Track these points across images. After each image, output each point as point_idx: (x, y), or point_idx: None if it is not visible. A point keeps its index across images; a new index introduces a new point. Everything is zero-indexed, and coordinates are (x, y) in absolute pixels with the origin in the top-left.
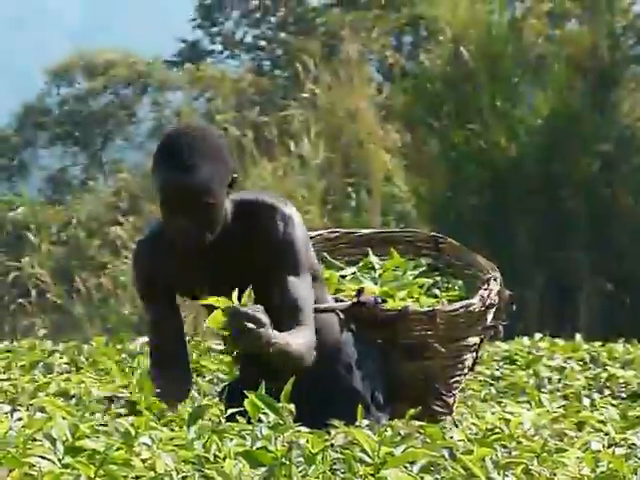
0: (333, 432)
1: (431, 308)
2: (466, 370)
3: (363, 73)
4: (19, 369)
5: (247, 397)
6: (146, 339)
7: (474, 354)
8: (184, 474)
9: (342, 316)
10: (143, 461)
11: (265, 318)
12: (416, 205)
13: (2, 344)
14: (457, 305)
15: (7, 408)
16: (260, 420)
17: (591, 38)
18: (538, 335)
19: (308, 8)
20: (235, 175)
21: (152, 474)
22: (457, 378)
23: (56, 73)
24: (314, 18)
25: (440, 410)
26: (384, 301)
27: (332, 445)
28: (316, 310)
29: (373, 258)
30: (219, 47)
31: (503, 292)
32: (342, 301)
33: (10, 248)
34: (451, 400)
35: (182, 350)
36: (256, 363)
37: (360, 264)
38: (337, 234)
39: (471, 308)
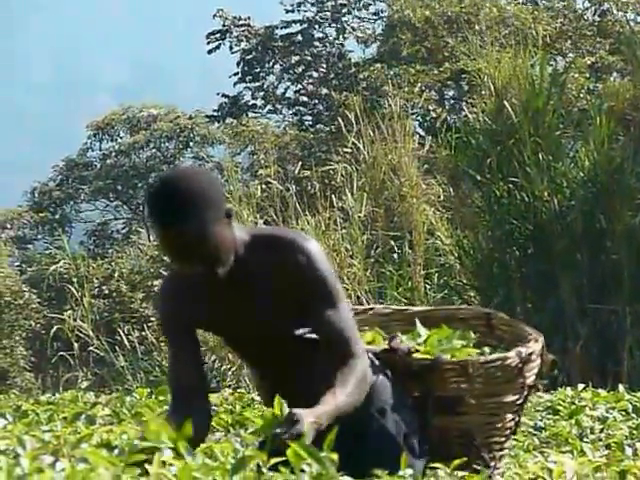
0: None
1: (464, 359)
2: (507, 432)
3: (406, 127)
4: (62, 421)
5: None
6: None
7: (515, 416)
8: None
9: (376, 362)
10: None
11: (302, 423)
12: (459, 258)
13: (45, 396)
14: (493, 357)
15: (50, 459)
16: (303, 470)
17: (633, 91)
18: (581, 386)
19: (350, 63)
20: (229, 207)
21: None
22: (497, 439)
23: (99, 127)
24: (356, 73)
25: (479, 470)
26: (417, 351)
27: None
28: None
29: (420, 327)
30: (261, 102)
31: (546, 355)
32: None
33: (53, 301)
34: (492, 462)
35: (201, 383)
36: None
37: (410, 334)
38: (390, 310)
39: (507, 362)
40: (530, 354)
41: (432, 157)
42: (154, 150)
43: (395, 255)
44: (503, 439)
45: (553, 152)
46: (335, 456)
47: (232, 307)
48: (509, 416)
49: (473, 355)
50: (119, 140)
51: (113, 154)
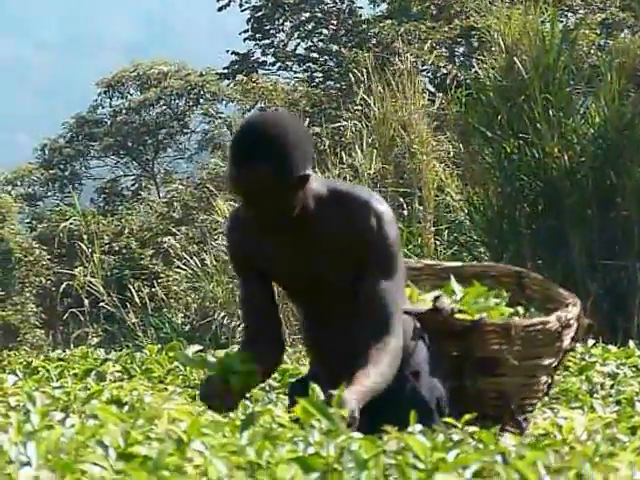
0: (385, 438)
1: (507, 321)
2: (540, 394)
3: (416, 84)
4: (72, 377)
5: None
6: (197, 347)
7: (549, 378)
8: None
9: (417, 324)
10: (196, 467)
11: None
12: (469, 214)
13: (55, 353)
14: (534, 320)
15: (60, 415)
16: (312, 426)
17: None
18: (591, 342)
19: (360, 20)
20: (307, 173)
21: None
22: (531, 400)
23: (109, 84)
24: (366, 30)
25: (512, 431)
26: (460, 312)
27: (384, 451)
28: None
29: (454, 284)
30: (271, 59)
31: (582, 319)
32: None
33: (63, 258)
34: (524, 423)
35: (269, 323)
36: (325, 365)
37: (442, 290)
38: (422, 265)
39: (548, 326)
40: (570, 319)
41: (442, 114)
42: (164, 107)
43: (405, 212)
44: (535, 401)
45: (563, 108)
46: (345, 412)
47: (292, 254)
48: (544, 378)
49: (506, 314)
50: (129, 97)
51: (123, 111)
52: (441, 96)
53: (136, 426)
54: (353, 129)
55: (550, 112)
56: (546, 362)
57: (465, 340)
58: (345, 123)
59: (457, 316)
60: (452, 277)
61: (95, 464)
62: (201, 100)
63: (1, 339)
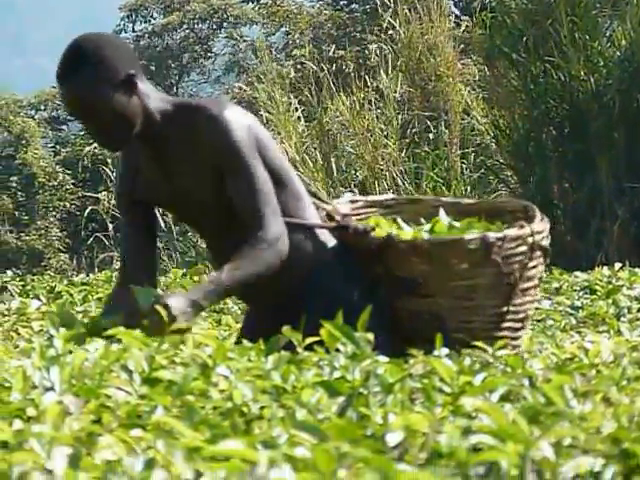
0: (411, 361)
1: (415, 238)
2: (495, 317)
3: (441, 6)
4: (96, 302)
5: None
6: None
7: (501, 305)
8: (262, 404)
9: (332, 240)
10: (221, 391)
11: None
12: (495, 138)
13: (79, 277)
14: (445, 238)
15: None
16: (338, 350)
17: None
18: (618, 265)
19: None
20: (131, 72)
21: (229, 405)
22: (479, 324)
23: (132, 9)
24: None
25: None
26: (373, 230)
27: (410, 375)
28: (290, 224)
29: (442, 215)
30: None
31: (537, 245)
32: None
33: (87, 183)
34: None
35: (144, 263)
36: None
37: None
38: (441, 202)
39: (463, 244)
40: (500, 239)
41: (468, 37)
42: (187, 31)
43: (431, 135)
44: (490, 325)
45: (589, 31)
46: (371, 336)
47: (158, 176)
48: (491, 301)
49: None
50: (152, 21)
51: (146, 35)
52: (467, 19)
53: (161, 350)
54: (378, 52)
55: (576, 35)
56: (484, 282)
57: (382, 259)
58: (370, 46)
59: (371, 235)
60: (442, 211)
61: (119, 389)
62: (224, 24)
63: (25, 264)
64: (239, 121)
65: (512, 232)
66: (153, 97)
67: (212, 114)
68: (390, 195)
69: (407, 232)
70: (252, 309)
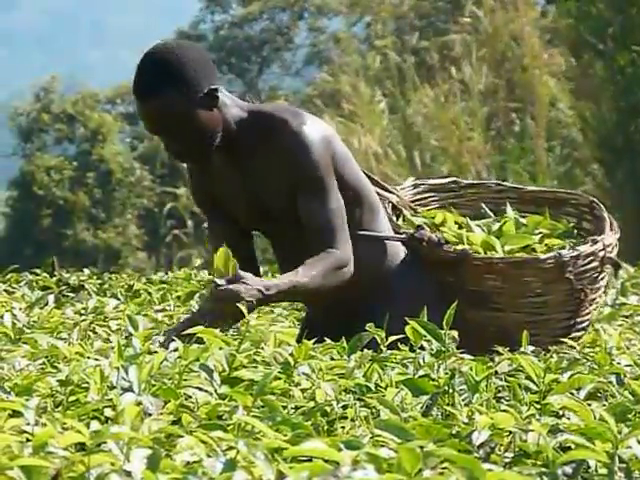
0: (497, 359)
1: (491, 255)
2: (559, 331)
3: None
4: (175, 300)
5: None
6: None
7: (569, 318)
8: (345, 403)
9: (404, 251)
10: (302, 391)
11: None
12: (582, 130)
13: (158, 275)
14: (525, 256)
15: (163, 339)
16: (422, 347)
17: None
18: None
19: None
20: (213, 87)
21: (312, 404)
22: (545, 337)
23: None
24: None
25: None
26: (447, 242)
27: (496, 372)
28: (363, 237)
29: (509, 211)
30: None
31: (607, 257)
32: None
33: (165, 178)
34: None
35: (241, 254)
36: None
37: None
38: (503, 188)
39: (540, 264)
40: (576, 257)
41: (553, 27)
42: (267, 22)
43: (516, 127)
44: (549, 339)
45: None
46: (455, 333)
47: (234, 188)
48: (560, 315)
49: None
50: (231, 12)
51: (226, 26)
52: (552, 8)
53: (241, 349)
54: (462, 43)
55: None
56: (555, 299)
57: (455, 271)
58: (454, 37)
59: (445, 248)
60: (508, 204)
61: (199, 389)
62: (305, 14)
63: (102, 262)
64: (318, 137)
65: (586, 249)
66: (230, 105)
67: (291, 129)
68: (451, 178)
69: (477, 236)
70: (315, 314)
